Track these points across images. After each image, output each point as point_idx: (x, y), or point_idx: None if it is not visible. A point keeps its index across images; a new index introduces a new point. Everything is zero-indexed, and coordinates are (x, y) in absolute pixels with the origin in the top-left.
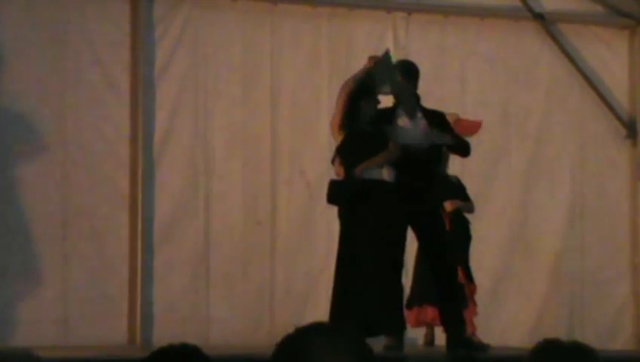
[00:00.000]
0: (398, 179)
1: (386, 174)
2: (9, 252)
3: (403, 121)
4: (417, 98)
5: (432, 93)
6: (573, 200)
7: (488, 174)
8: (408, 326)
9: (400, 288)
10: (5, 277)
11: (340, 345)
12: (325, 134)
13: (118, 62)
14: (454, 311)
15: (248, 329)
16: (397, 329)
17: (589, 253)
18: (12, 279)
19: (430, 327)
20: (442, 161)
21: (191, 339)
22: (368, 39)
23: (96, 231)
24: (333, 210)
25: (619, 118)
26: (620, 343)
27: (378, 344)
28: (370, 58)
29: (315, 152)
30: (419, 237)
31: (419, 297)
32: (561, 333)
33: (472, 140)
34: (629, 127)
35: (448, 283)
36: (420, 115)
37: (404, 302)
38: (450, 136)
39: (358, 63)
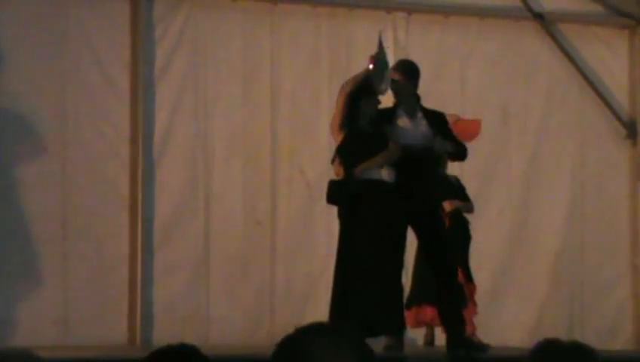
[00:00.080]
0: (397, 179)
1: (386, 174)
2: (9, 252)
3: (403, 121)
4: (417, 98)
5: (432, 93)
6: (573, 200)
7: (488, 174)
8: (408, 327)
9: (400, 288)
10: (5, 277)
11: (341, 345)
12: (325, 134)
13: (118, 62)
14: (454, 311)
15: (248, 329)
16: (397, 330)
17: (589, 253)
18: (12, 279)
19: (430, 327)
20: (442, 161)
21: (191, 339)
22: (368, 39)
23: (96, 231)
24: (333, 210)
25: (619, 118)
26: (620, 343)
27: (378, 344)
28: (371, 57)
29: (315, 152)
30: (419, 237)
31: (418, 297)
32: (561, 333)
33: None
34: (629, 127)
35: (448, 284)
36: (420, 115)
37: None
38: (450, 143)
39: (358, 63)
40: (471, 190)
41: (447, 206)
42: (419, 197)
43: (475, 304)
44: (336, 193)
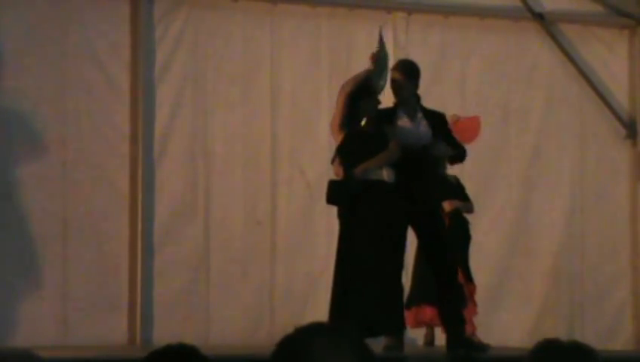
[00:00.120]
0: (397, 179)
1: (386, 174)
2: (9, 252)
3: (403, 122)
4: (418, 98)
5: (432, 93)
6: (573, 200)
7: (488, 174)
8: (408, 327)
9: (400, 288)
10: (5, 277)
11: (341, 345)
12: (325, 134)
13: (118, 62)
14: (454, 311)
15: (248, 329)
16: (397, 330)
17: (589, 253)
18: (12, 279)
19: (430, 327)
20: (441, 161)
21: (191, 339)
22: (368, 39)
23: (96, 231)
24: (333, 210)
25: (619, 118)
26: (620, 343)
27: (378, 344)
28: (372, 55)
29: (315, 152)
30: (419, 237)
31: (417, 297)
32: (561, 333)
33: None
34: (629, 127)
35: (448, 284)
36: (420, 115)
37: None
38: (449, 146)
39: (358, 63)
40: (471, 190)
41: (447, 206)
42: (419, 197)
43: (475, 304)
44: (335, 193)
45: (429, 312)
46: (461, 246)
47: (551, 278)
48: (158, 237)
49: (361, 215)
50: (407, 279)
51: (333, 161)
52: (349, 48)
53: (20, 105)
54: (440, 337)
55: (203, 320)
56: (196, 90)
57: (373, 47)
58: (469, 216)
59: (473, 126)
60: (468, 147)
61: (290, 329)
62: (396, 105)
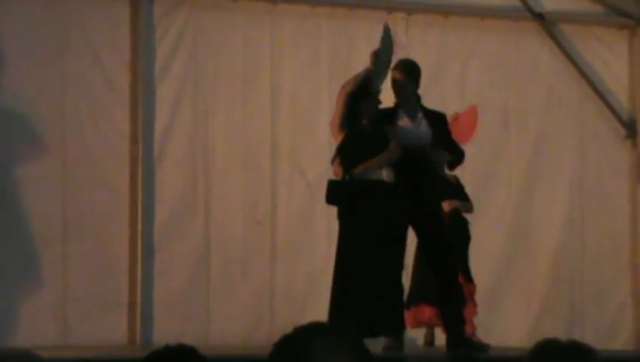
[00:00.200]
0: (398, 179)
1: (386, 174)
2: (9, 252)
3: (404, 122)
4: (418, 98)
5: (432, 93)
6: (573, 200)
7: (488, 174)
8: (408, 327)
9: (400, 288)
10: (5, 277)
11: (339, 345)
12: (325, 134)
13: (118, 62)
14: (454, 311)
15: (248, 329)
16: (397, 330)
17: (589, 253)
18: (12, 279)
19: (430, 327)
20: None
21: (191, 339)
22: (368, 39)
23: (97, 232)
24: (333, 210)
25: (619, 118)
26: (620, 343)
27: (378, 344)
28: (373, 54)
29: (315, 152)
30: (419, 237)
31: (416, 297)
32: (561, 333)
33: (473, 140)
34: (629, 127)
35: (448, 284)
36: (420, 115)
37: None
38: (449, 148)
39: (358, 63)
40: (471, 190)
41: (446, 206)
42: (419, 197)
43: (475, 304)
44: (335, 193)
45: (427, 312)
46: (461, 246)
47: (551, 278)
48: (158, 237)
49: (361, 215)
50: (407, 279)
51: (333, 161)
52: (349, 48)
53: (20, 105)
54: (440, 337)
55: (203, 320)
56: (196, 90)
57: (375, 46)
58: (468, 216)
59: (471, 119)
60: (468, 145)
61: (290, 329)
62: (397, 105)
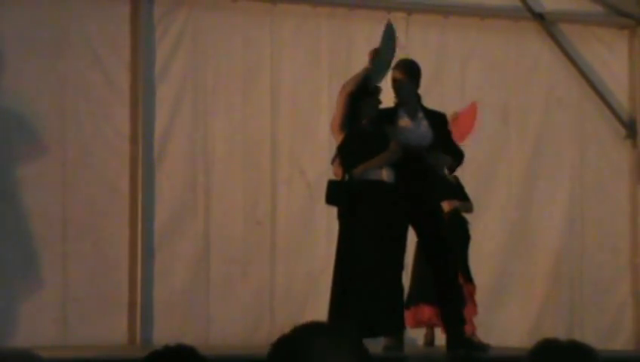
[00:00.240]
0: (398, 179)
1: (386, 175)
2: (9, 252)
3: (404, 122)
4: (419, 98)
5: (432, 93)
6: (573, 200)
7: (488, 174)
8: (408, 327)
9: (400, 288)
10: (5, 277)
11: (338, 345)
12: (325, 134)
13: (118, 62)
14: (455, 311)
15: (248, 329)
16: (396, 330)
17: (589, 253)
18: (12, 279)
19: (430, 327)
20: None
21: (191, 339)
22: (368, 39)
23: (97, 232)
24: (333, 210)
25: (619, 118)
26: (620, 343)
27: (378, 344)
28: (371, 52)
29: (315, 152)
30: (419, 237)
31: (415, 297)
32: (561, 333)
33: (473, 140)
34: (629, 127)
35: (449, 284)
36: (421, 115)
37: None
38: (449, 150)
39: (358, 63)
40: (471, 190)
41: (446, 206)
42: (419, 197)
43: (475, 304)
44: (335, 194)
45: (427, 312)
46: (460, 247)
47: (551, 278)
48: (158, 237)
49: (361, 215)
50: (406, 279)
51: (333, 162)
52: (349, 48)
53: (20, 105)
54: (440, 337)
55: (203, 320)
56: (196, 90)
57: (375, 45)
58: (468, 216)
59: (471, 115)
60: (468, 145)
61: (289, 329)
62: (397, 105)
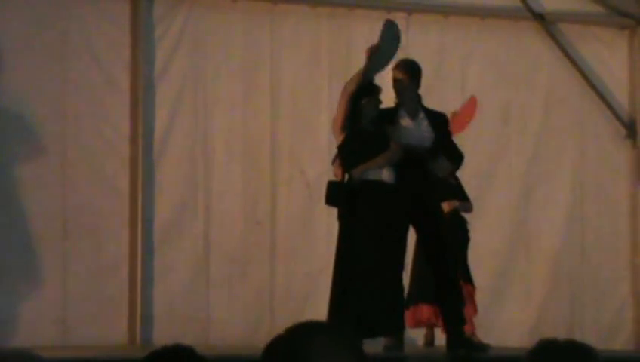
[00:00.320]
0: (398, 179)
1: (386, 175)
2: (9, 252)
3: (405, 122)
4: (419, 98)
5: (432, 93)
6: (573, 200)
7: (488, 174)
8: (407, 326)
9: (400, 288)
10: (5, 277)
11: (334, 344)
12: (325, 134)
13: (118, 62)
14: (454, 311)
15: (248, 330)
16: (396, 330)
17: (589, 253)
18: (12, 279)
19: (430, 327)
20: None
21: (191, 339)
22: (368, 39)
23: (97, 232)
24: (333, 210)
25: (619, 118)
26: (620, 343)
27: (378, 344)
28: (368, 50)
29: (315, 152)
30: (420, 237)
31: (414, 296)
32: (561, 333)
33: (473, 140)
34: (629, 127)
35: (449, 284)
36: (422, 115)
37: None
38: (449, 151)
39: (358, 63)
40: (471, 190)
41: (446, 206)
42: (419, 197)
43: (474, 305)
44: (334, 194)
45: (426, 311)
46: (460, 247)
47: (551, 278)
48: (158, 237)
49: (361, 215)
50: (406, 279)
51: (333, 162)
52: (349, 48)
53: (20, 105)
54: (440, 337)
55: (203, 321)
56: (196, 90)
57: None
58: (468, 216)
59: (471, 107)
60: (468, 146)
61: None
62: (398, 105)
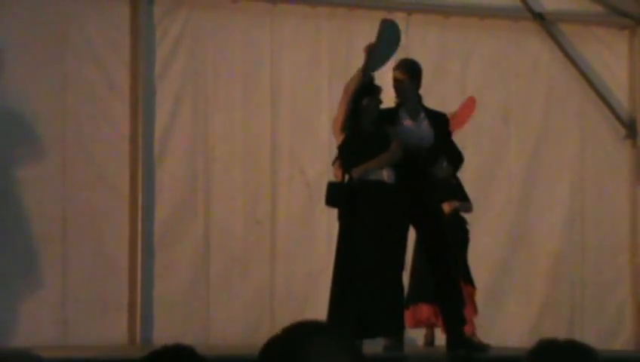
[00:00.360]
0: (399, 180)
1: (386, 175)
2: (9, 252)
3: (405, 122)
4: (420, 98)
5: (432, 93)
6: (573, 200)
7: (488, 174)
8: (407, 326)
9: (400, 288)
10: (5, 277)
11: (331, 344)
12: (325, 134)
13: (118, 62)
14: (455, 311)
15: (248, 330)
16: (396, 330)
17: (589, 254)
18: (12, 279)
19: (430, 327)
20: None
21: (191, 339)
22: (368, 39)
23: (97, 232)
24: (334, 210)
25: (619, 118)
26: (620, 343)
27: (378, 344)
28: (366, 48)
29: (315, 152)
30: (420, 237)
31: (414, 296)
32: (561, 333)
33: (473, 140)
34: (629, 127)
35: (449, 284)
36: (422, 115)
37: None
38: (449, 151)
39: (358, 63)
40: (471, 190)
41: (446, 207)
42: (420, 197)
43: (474, 306)
44: (334, 195)
45: (425, 311)
46: (459, 248)
47: (551, 278)
48: (158, 237)
49: (361, 215)
50: (405, 279)
51: (334, 163)
52: (349, 48)
53: (20, 105)
54: (440, 337)
55: (203, 320)
56: (196, 90)
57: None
58: (468, 216)
59: (469, 106)
60: (468, 145)
61: None
62: (398, 105)
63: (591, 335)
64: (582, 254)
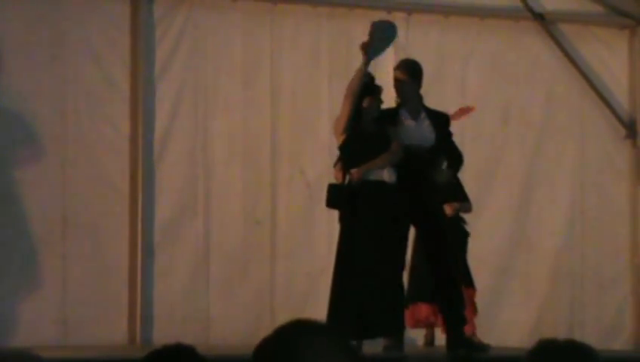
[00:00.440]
0: (399, 180)
1: (387, 176)
2: (9, 252)
3: (406, 122)
4: (420, 98)
5: (432, 93)
6: (573, 200)
7: (488, 174)
8: (407, 326)
9: (401, 289)
10: (5, 277)
11: (325, 344)
12: (325, 134)
13: (118, 62)
14: (455, 311)
15: (248, 330)
16: (396, 330)
17: (589, 253)
18: (12, 279)
19: (430, 327)
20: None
21: (191, 339)
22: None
23: (96, 232)
24: (334, 211)
25: (619, 118)
26: (620, 343)
27: (378, 344)
28: (362, 45)
29: (315, 152)
30: (421, 237)
31: (413, 296)
32: (561, 333)
33: (473, 140)
34: (629, 127)
35: (449, 284)
36: (423, 115)
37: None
38: (449, 151)
39: (358, 63)
40: (471, 190)
41: (448, 209)
42: (420, 197)
43: (474, 307)
44: (335, 197)
45: (424, 310)
46: (459, 248)
47: (551, 278)
48: (158, 237)
49: (361, 215)
50: (405, 279)
51: (335, 165)
52: (349, 48)
53: (20, 105)
54: (440, 337)
55: (203, 320)
56: (196, 90)
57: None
58: (468, 216)
59: (465, 111)
60: (468, 145)
61: None
62: (399, 106)
63: (591, 335)
64: (582, 254)
